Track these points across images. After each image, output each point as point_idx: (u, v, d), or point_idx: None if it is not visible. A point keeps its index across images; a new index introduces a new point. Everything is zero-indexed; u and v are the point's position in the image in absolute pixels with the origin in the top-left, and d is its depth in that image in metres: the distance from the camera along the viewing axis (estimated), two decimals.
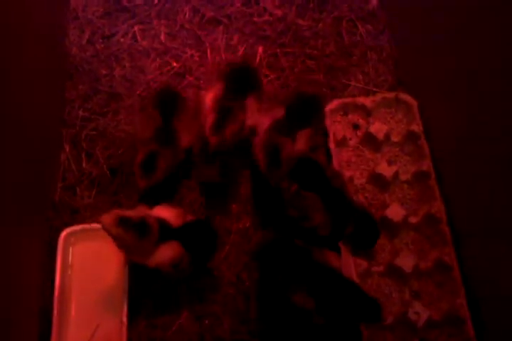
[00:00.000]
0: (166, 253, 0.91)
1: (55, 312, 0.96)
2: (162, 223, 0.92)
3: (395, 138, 1.17)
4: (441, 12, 1.11)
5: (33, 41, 1.07)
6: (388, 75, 1.27)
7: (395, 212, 1.08)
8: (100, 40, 1.27)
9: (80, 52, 1.26)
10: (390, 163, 1.15)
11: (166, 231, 0.91)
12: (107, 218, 0.84)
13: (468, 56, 1.02)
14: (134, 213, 0.89)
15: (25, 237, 0.99)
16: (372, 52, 1.29)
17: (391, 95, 1.21)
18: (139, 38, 1.28)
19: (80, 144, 1.15)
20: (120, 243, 0.88)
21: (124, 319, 0.96)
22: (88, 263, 1.02)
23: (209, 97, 1.03)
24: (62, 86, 1.21)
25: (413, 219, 1.09)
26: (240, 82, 1.04)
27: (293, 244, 0.97)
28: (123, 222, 0.85)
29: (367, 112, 1.20)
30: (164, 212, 0.95)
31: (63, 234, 1.03)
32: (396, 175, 1.13)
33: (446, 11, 1.09)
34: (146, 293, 1.00)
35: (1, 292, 0.87)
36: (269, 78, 1.25)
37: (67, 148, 1.15)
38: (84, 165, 1.13)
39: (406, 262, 1.03)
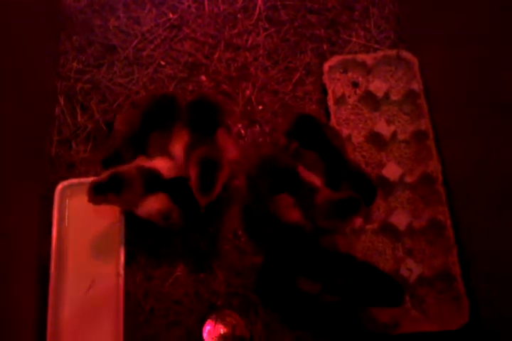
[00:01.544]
0: (152, 204, 0.92)
1: (53, 263, 0.97)
2: (152, 174, 0.92)
3: (394, 97, 1.16)
4: None
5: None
6: (390, 32, 1.24)
7: (391, 170, 1.08)
8: None
9: (73, 2, 1.22)
10: (388, 122, 1.14)
11: (155, 183, 0.92)
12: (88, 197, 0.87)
13: (470, 13, 0.99)
14: (124, 168, 0.89)
15: (23, 191, 0.99)
16: (374, 8, 1.27)
17: (392, 52, 1.19)
18: None
19: (75, 97, 1.14)
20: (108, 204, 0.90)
21: (121, 271, 0.97)
22: (84, 216, 1.02)
23: (178, 148, 0.95)
24: (57, 37, 1.18)
25: (409, 179, 1.09)
26: (204, 123, 0.96)
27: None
28: (96, 189, 0.86)
29: (367, 70, 1.18)
30: (160, 163, 0.95)
31: (59, 187, 1.03)
32: (394, 134, 1.12)
33: None
34: (142, 246, 1.02)
35: (3, 245, 0.88)
36: (268, 32, 1.22)
37: (61, 101, 1.13)
38: (79, 118, 1.12)
39: (400, 220, 1.04)
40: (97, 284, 0.98)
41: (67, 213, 1.03)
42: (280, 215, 0.93)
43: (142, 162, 0.94)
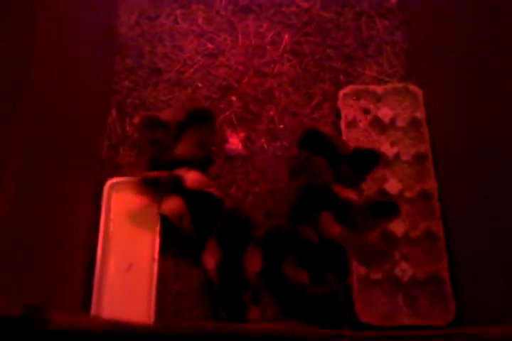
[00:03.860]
0: (170, 203, 1.06)
1: (99, 247, 1.13)
2: (178, 180, 1.08)
3: (399, 123, 1.31)
4: (453, 16, 1.25)
5: (89, 21, 1.24)
6: (400, 67, 1.40)
7: (392, 186, 1.22)
8: (146, 21, 1.42)
9: (128, 32, 1.42)
10: (392, 144, 1.29)
11: (178, 187, 1.06)
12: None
13: (471, 59, 1.15)
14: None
15: (79, 187, 1.15)
16: (387, 46, 1.43)
17: (400, 85, 1.34)
18: (179, 20, 1.43)
19: (125, 110, 1.32)
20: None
21: (156, 256, 1.13)
22: (127, 210, 1.18)
23: (210, 262, 1.03)
24: (112, 60, 1.38)
25: (408, 194, 1.23)
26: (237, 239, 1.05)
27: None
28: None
29: (377, 98, 1.33)
30: (188, 173, 1.11)
31: (108, 183, 1.19)
32: (397, 155, 1.27)
33: (457, 17, 1.23)
34: (173, 238, 1.18)
35: (61, 228, 1.05)
36: (292, 62, 1.39)
37: (113, 113, 1.31)
38: (127, 128, 1.30)
39: (398, 228, 1.19)
40: (135, 266, 1.14)
41: (112, 206, 1.19)
42: (323, 232, 1.04)
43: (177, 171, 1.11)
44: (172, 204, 1.08)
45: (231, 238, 1.04)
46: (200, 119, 1.16)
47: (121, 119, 1.31)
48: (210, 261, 1.02)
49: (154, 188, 1.09)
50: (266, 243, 1.10)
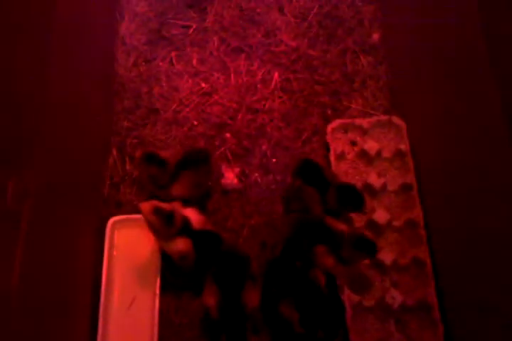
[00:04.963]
0: (178, 244, 1.10)
1: (103, 282, 1.19)
2: (185, 221, 1.12)
3: (385, 155, 1.38)
4: (430, 53, 1.33)
5: (88, 64, 1.31)
6: (384, 100, 1.48)
7: (381, 216, 1.29)
8: (143, 63, 1.51)
9: (125, 73, 1.49)
10: (379, 175, 1.36)
11: (185, 229, 1.11)
12: (146, 205, 1.06)
13: (448, 94, 1.23)
14: (167, 206, 1.10)
15: (82, 224, 1.22)
16: (371, 80, 1.50)
17: (385, 118, 1.41)
18: (174, 62, 1.51)
19: (125, 149, 1.39)
20: (151, 226, 1.08)
21: (157, 291, 1.18)
22: (129, 246, 1.25)
23: (211, 301, 1.08)
24: (111, 101, 1.45)
25: (396, 223, 1.30)
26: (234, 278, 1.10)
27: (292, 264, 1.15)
28: (157, 210, 1.05)
29: (363, 131, 1.41)
30: (191, 214, 1.16)
31: (110, 221, 1.26)
32: (384, 185, 1.34)
33: (434, 53, 1.32)
34: (173, 273, 1.23)
35: (66, 267, 1.11)
36: (282, 99, 1.48)
37: (114, 152, 1.39)
38: (127, 167, 1.37)
39: (387, 257, 1.25)
40: (138, 301, 1.20)
41: (115, 243, 1.25)
42: (319, 263, 1.12)
43: (179, 208, 1.15)
44: (182, 246, 1.12)
45: (228, 275, 1.09)
46: (197, 160, 1.22)
47: (121, 159, 1.39)
48: (210, 299, 1.07)
49: (166, 222, 1.10)
50: (268, 274, 1.16)
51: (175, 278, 1.23)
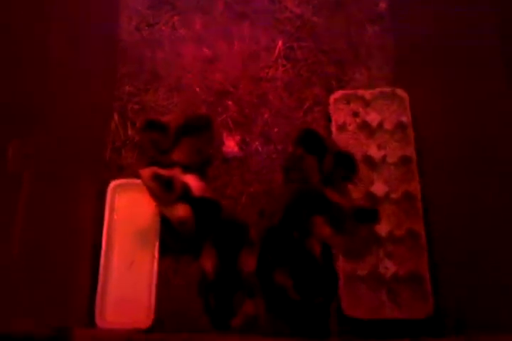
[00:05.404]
0: (178, 210, 1.11)
1: (103, 246, 1.22)
2: (185, 187, 1.13)
3: (387, 126, 1.37)
4: (439, 23, 1.31)
5: (91, 27, 1.30)
6: (388, 72, 1.46)
7: (379, 188, 1.30)
8: (145, 28, 1.49)
9: (128, 37, 1.48)
10: (379, 147, 1.36)
11: (185, 195, 1.12)
12: (145, 172, 1.07)
13: (453, 67, 1.23)
14: (167, 172, 1.11)
15: (85, 188, 1.24)
16: (376, 51, 1.48)
17: (388, 90, 1.40)
18: (177, 26, 1.49)
19: (126, 114, 1.39)
20: (151, 192, 1.09)
21: (156, 254, 1.21)
22: (129, 209, 1.26)
23: (208, 265, 1.11)
24: (114, 66, 1.44)
25: (394, 195, 1.30)
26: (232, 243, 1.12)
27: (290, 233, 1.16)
28: (156, 177, 1.06)
29: (366, 103, 1.39)
30: (191, 181, 1.16)
31: (111, 185, 1.27)
32: (384, 157, 1.34)
33: (441, 22, 1.30)
34: (173, 237, 1.25)
35: (67, 230, 1.13)
36: (286, 67, 1.46)
37: (116, 117, 1.39)
38: (129, 131, 1.38)
39: (383, 229, 1.27)
40: (137, 263, 1.23)
41: (116, 206, 1.27)
42: (316, 233, 1.14)
43: (179, 174, 1.16)
44: (181, 212, 1.13)
45: (227, 241, 1.11)
46: (199, 126, 1.22)
47: (123, 123, 1.39)
48: (208, 263, 1.10)
49: (165, 188, 1.09)
50: (265, 242, 1.18)
51: (174, 242, 1.24)
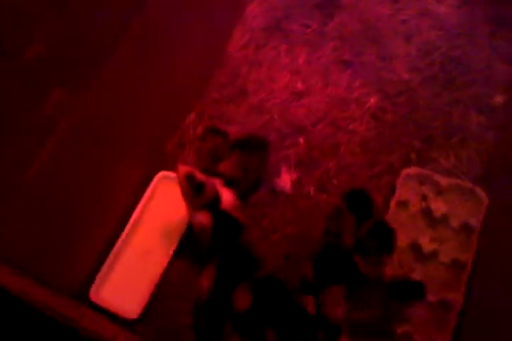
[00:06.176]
0: (201, 217, 1.10)
1: (128, 226, 1.25)
2: (216, 198, 1.10)
3: (451, 223, 1.22)
4: None
5: (208, 33, 1.40)
6: (477, 168, 1.31)
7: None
8: (253, 47, 1.51)
9: (233, 51, 1.51)
10: (433, 240, 1.21)
11: (214, 205, 1.10)
12: (182, 169, 1.07)
13: None
14: (202, 176, 1.09)
15: (128, 165, 1.29)
16: (473, 142, 1.35)
17: (468, 185, 1.25)
18: (282, 54, 1.49)
19: (203, 117, 1.42)
20: (181, 190, 1.10)
21: (171, 252, 1.20)
22: (166, 203, 1.27)
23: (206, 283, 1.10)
24: (211, 71, 1.48)
25: (430, 298, 1.14)
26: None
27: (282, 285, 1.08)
28: (189, 177, 1.06)
29: (439, 190, 1.26)
30: (226, 195, 1.13)
31: (160, 174, 1.29)
32: (434, 253, 1.19)
33: None
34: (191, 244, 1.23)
35: (98, 191, 1.17)
36: (370, 125, 1.38)
37: (192, 116, 1.42)
38: (198, 133, 1.40)
39: None
40: (151, 255, 1.22)
41: (156, 195, 1.29)
42: (324, 309, 1.04)
43: (217, 184, 1.13)
44: (205, 221, 1.11)
45: (230, 268, 1.07)
46: (255, 145, 1.23)
47: (196, 124, 1.41)
48: (205, 283, 1.06)
49: (195, 191, 1.09)
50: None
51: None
